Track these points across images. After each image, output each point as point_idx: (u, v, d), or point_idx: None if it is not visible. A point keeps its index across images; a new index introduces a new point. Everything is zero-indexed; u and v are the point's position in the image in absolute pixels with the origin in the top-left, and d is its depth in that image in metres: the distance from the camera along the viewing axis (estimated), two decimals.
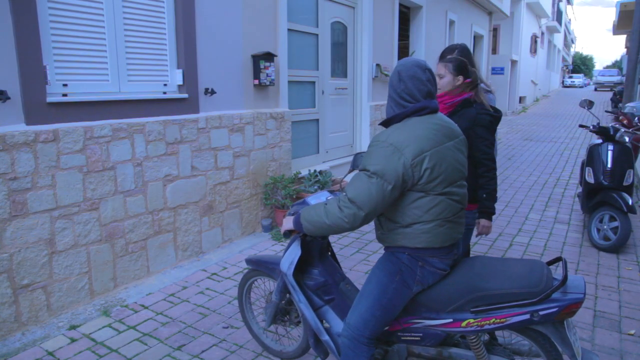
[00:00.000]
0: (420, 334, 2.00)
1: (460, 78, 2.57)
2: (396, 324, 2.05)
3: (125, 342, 2.90)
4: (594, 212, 4.57)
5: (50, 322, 3.08)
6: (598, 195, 4.55)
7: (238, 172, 4.56)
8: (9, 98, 2.84)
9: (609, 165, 4.51)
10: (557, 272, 1.93)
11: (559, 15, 29.88)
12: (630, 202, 4.29)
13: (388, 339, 2.13)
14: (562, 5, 32.47)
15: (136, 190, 3.59)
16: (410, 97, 1.88)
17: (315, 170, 5.39)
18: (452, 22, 10.53)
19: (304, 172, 5.38)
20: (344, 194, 1.82)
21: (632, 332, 3.00)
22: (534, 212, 5.66)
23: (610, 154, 4.54)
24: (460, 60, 2.60)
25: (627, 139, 4.61)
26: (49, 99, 3.05)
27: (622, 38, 41.13)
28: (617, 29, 19.89)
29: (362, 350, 1.95)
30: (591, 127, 4.81)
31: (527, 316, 1.76)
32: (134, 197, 3.58)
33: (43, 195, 3.01)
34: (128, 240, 3.57)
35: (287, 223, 2.07)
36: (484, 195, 2.59)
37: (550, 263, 2.02)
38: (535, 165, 8.69)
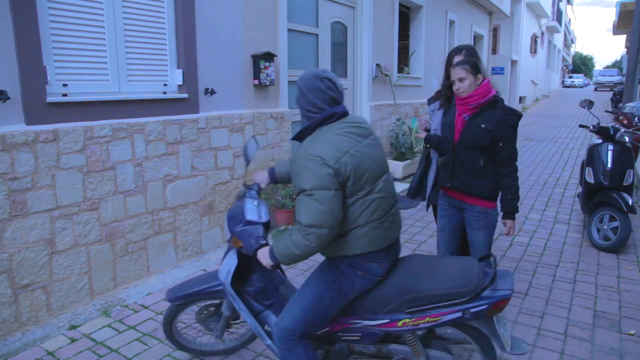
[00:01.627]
0: (360, 334, 2.07)
1: (480, 77, 2.61)
2: (336, 325, 2.10)
3: (125, 342, 2.90)
4: (594, 212, 4.57)
5: (50, 322, 3.08)
6: (598, 195, 4.55)
7: (238, 172, 4.56)
8: (9, 98, 2.84)
9: (609, 165, 4.50)
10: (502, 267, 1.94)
11: (559, 15, 29.88)
12: (630, 202, 4.29)
13: (329, 339, 2.17)
14: (562, 5, 32.46)
15: (136, 190, 3.59)
16: (315, 108, 1.92)
17: None
18: (452, 22, 10.53)
19: None
20: (300, 222, 1.82)
21: (632, 332, 3.00)
22: (534, 212, 5.66)
23: (610, 154, 4.54)
24: (474, 59, 2.67)
25: (627, 139, 4.61)
26: (49, 99, 3.05)
27: (622, 38, 41.18)
28: (617, 29, 19.90)
29: (294, 345, 1.99)
30: (591, 127, 4.81)
31: (459, 314, 1.87)
32: (134, 197, 3.58)
33: (43, 195, 3.01)
34: (128, 240, 3.57)
35: (266, 259, 1.99)
36: (509, 196, 2.68)
37: (481, 259, 2.11)
38: (535, 165, 8.68)
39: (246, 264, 2.28)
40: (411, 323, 1.92)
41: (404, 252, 4.33)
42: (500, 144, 2.60)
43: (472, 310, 1.86)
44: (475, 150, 2.64)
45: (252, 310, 2.28)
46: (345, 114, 1.96)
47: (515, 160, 2.67)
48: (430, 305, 1.89)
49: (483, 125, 2.59)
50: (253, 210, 2.24)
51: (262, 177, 2.44)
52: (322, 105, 1.91)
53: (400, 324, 1.94)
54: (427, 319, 1.90)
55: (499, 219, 2.80)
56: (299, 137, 1.98)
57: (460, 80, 2.58)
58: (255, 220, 2.20)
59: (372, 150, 1.92)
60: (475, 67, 2.60)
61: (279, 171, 2.40)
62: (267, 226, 2.25)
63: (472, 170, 2.67)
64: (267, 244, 2.06)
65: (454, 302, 1.86)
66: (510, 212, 2.71)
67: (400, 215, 2.07)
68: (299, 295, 2.04)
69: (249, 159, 2.45)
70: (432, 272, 1.97)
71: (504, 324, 1.99)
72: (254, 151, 2.45)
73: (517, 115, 2.67)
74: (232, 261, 2.24)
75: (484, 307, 1.86)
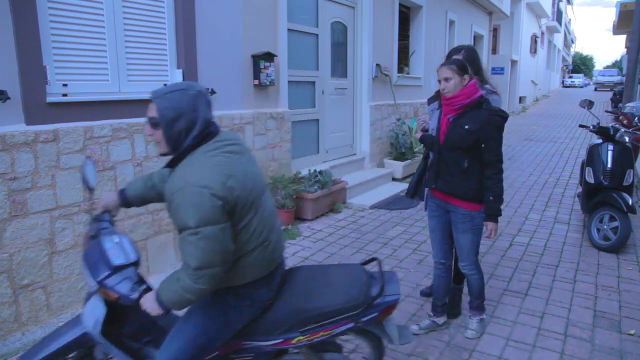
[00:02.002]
0: (252, 354, 1.99)
1: (467, 77, 2.58)
2: (227, 348, 1.99)
3: None
4: (594, 212, 4.57)
5: (51, 322, 3.08)
6: (598, 195, 4.55)
7: None
8: (9, 98, 2.84)
9: (609, 165, 4.50)
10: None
11: (559, 15, 29.88)
12: (630, 202, 4.29)
13: None
14: (562, 5, 32.46)
15: None
16: (205, 125, 1.69)
17: (315, 170, 5.39)
18: (452, 22, 10.53)
19: (304, 172, 5.39)
20: (188, 265, 1.61)
21: (632, 332, 3.00)
22: (534, 212, 5.66)
23: (610, 154, 4.54)
24: (461, 60, 2.64)
25: (627, 139, 4.61)
26: (49, 99, 3.05)
27: (622, 38, 41.18)
28: (617, 29, 19.90)
29: None
30: (591, 127, 4.81)
31: (352, 324, 1.89)
32: None
33: (43, 195, 3.01)
34: None
35: (153, 309, 1.73)
36: (491, 198, 2.61)
37: (365, 263, 2.11)
38: (535, 165, 8.69)
39: (116, 305, 1.90)
40: (305, 339, 1.89)
41: (404, 252, 4.35)
42: (484, 146, 2.56)
43: (364, 319, 1.88)
44: (458, 151, 2.61)
45: (130, 351, 2.00)
46: (218, 132, 1.74)
47: (500, 162, 2.61)
48: (323, 322, 1.87)
49: (467, 127, 2.55)
50: (117, 251, 1.88)
51: (110, 200, 2.05)
52: (210, 122, 1.71)
53: (294, 341, 1.90)
54: (321, 333, 1.89)
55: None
56: (173, 163, 1.71)
57: (446, 80, 2.56)
58: (125, 263, 1.85)
59: (251, 169, 1.75)
60: (462, 67, 2.57)
61: (132, 193, 2.07)
62: (137, 263, 1.92)
63: (457, 172, 2.64)
64: (149, 288, 1.81)
65: (345, 315, 1.86)
66: (492, 214, 2.64)
67: (282, 233, 1.94)
68: (179, 329, 1.82)
69: (90, 185, 2.08)
70: (321, 288, 1.93)
71: (391, 319, 2.03)
72: (94, 175, 2.11)
73: (503, 117, 2.62)
74: (99, 309, 1.88)
75: (375, 314, 1.89)
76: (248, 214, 1.69)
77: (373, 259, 2.13)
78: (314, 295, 1.91)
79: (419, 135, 3.03)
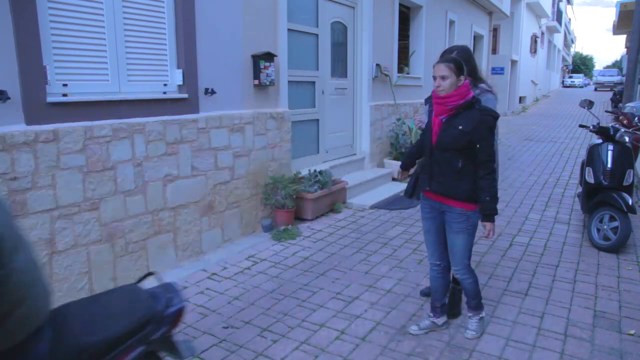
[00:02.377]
0: None
1: (462, 78, 2.57)
2: None
3: None
4: (594, 212, 4.57)
5: None
6: (598, 195, 4.55)
7: (238, 172, 4.56)
8: (9, 98, 2.84)
9: (609, 165, 4.50)
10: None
11: (559, 15, 29.88)
12: (630, 202, 4.29)
13: None
14: (562, 5, 32.46)
15: (136, 190, 3.59)
16: None
17: (315, 170, 5.40)
18: (452, 22, 10.53)
19: (304, 172, 5.39)
20: None
21: (632, 332, 3.00)
22: (534, 212, 5.66)
23: (610, 154, 4.54)
24: (459, 60, 2.63)
25: (627, 139, 4.61)
26: (49, 99, 3.05)
27: (622, 38, 41.15)
28: (617, 29, 19.91)
29: None
30: (591, 127, 4.81)
31: (143, 347, 1.72)
32: (134, 197, 3.58)
33: (43, 195, 3.01)
34: (128, 240, 3.57)
35: None
36: (487, 198, 2.60)
37: (139, 281, 1.95)
38: (535, 165, 8.68)
39: None
40: None
41: (404, 252, 4.35)
42: (477, 146, 2.56)
43: (154, 337, 1.74)
44: (451, 152, 2.60)
45: None
46: None
47: (492, 162, 2.60)
48: (111, 355, 1.62)
49: (460, 127, 2.54)
50: None
51: None
52: None
53: None
54: None
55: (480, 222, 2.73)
56: None
57: (443, 78, 2.54)
58: None
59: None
60: (459, 67, 2.55)
61: None
62: None
63: (450, 173, 2.63)
64: None
65: (136, 337, 1.68)
66: (489, 214, 2.62)
67: (43, 267, 1.65)
68: None
69: None
70: (101, 318, 1.68)
71: (173, 334, 1.91)
72: None
73: (494, 116, 2.61)
74: None
75: (166, 328, 1.78)
76: (14, 254, 1.25)
77: (149, 274, 1.98)
78: (95, 327, 1.63)
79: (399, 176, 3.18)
